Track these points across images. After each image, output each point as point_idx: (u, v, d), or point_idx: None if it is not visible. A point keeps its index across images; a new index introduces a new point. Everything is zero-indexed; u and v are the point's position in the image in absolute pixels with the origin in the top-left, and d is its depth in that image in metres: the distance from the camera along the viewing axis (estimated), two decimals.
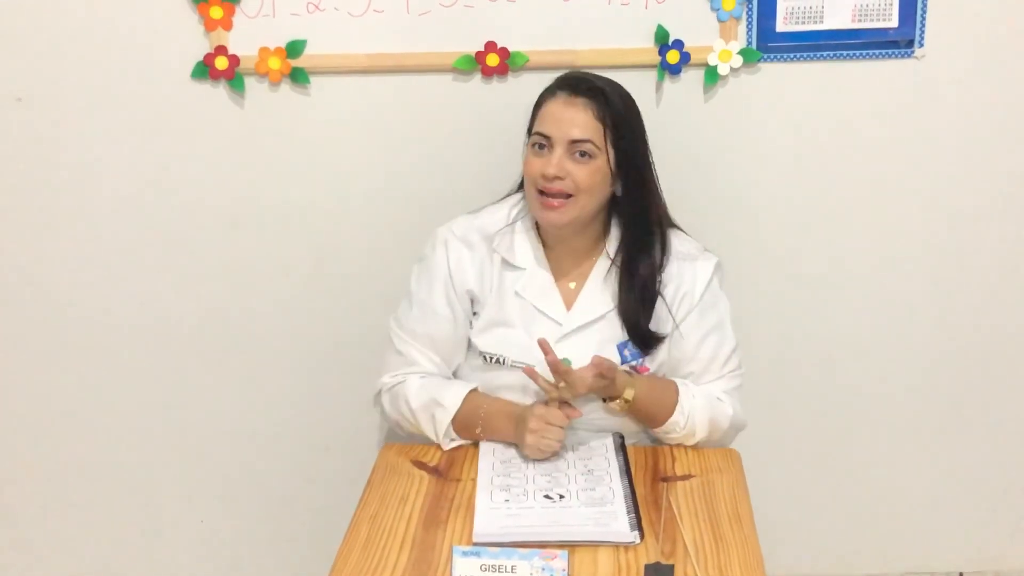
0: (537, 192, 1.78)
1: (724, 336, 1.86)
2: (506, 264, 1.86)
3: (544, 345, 1.72)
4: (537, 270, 1.86)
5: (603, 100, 1.76)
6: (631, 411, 1.80)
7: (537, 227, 1.88)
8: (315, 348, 2.31)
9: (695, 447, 1.85)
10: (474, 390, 1.84)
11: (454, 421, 1.82)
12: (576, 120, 1.75)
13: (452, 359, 1.90)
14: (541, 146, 1.78)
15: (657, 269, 1.83)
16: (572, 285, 1.86)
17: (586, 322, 1.83)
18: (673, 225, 1.90)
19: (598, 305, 1.84)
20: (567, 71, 1.88)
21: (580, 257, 1.87)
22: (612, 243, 1.86)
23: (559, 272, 1.87)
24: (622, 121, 1.78)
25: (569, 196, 1.76)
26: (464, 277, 1.86)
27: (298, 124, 2.15)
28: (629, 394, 1.77)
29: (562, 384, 1.73)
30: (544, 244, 1.87)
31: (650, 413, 1.81)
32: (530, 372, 1.75)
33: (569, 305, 1.85)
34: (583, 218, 1.79)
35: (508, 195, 1.95)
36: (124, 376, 2.33)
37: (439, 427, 1.82)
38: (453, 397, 1.82)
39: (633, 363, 1.83)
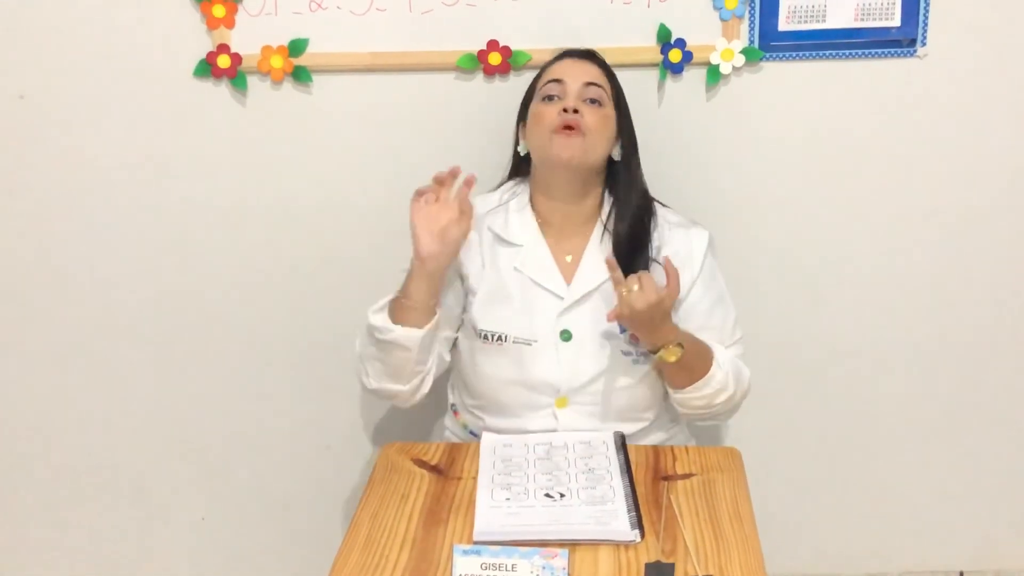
0: (552, 130, 1.81)
1: (727, 306, 1.90)
2: (501, 241, 1.88)
3: (609, 261, 1.74)
4: (534, 245, 1.88)
5: (605, 64, 1.91)
6: (679, 363, 1.75)
7: (532, 204, 1.91)
8: (317, 346, 2.31)
9: (709, 413, 1.85)
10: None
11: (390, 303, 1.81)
12: (587, 70, 1.87)
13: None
14: (551, 97, 1.84)
15: (647, 230, 1.87)
16: (569, 259, 1.88)
17: (586, 292, 1.84)
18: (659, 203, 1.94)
19: (596, 274, 1.85)
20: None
21: (576, 229, 1.89)
22: (605, 213, 1.90)
23: (556, 247, 1.89)
24: (619, 86, 1.91)
25: (581, 134, 1.81)
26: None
27: (300, 123, 2.15)
28: (681, 336, 1.75)
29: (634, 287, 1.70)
30: (540, 221, 1.89)
31: (691, 364, 1.78)
32: (610, 263, 1.74)
33: (568, 278, 1.86)
34: (591, 160, 1.83)
35: (499, 184, 1.98)
36: (123, 374, 2.33)
37: (375, 306, 1.81)
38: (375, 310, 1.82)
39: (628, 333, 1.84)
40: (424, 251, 1.77)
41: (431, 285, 1.79)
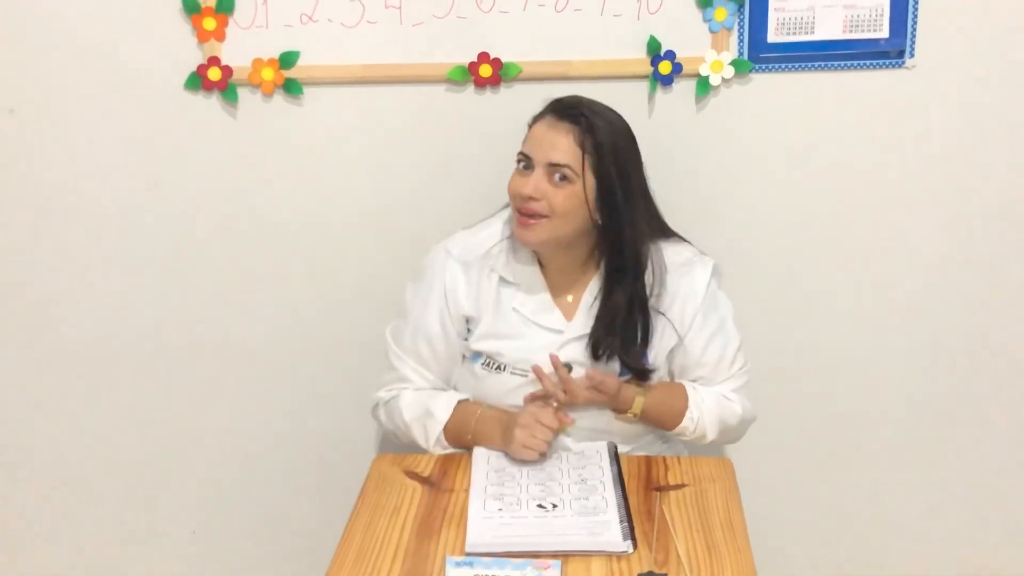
0: (516, 213, 1.80)
1: (728, 336, 1.88)
2: (503, 280, 1.87)
3: (553, 359, 1.76)
4: (533, 286, 1.87)
5: (587, 127, 1.75)
6: (642, 419, 1.83)
7: None
8: (308, 358, 2.30)
9: (697, 448, 1.89)
10: (465, 400, 1.86)
11: (445, 431, 1.84)
12: (557, 144, 1.75)
13: (445, 375, 1.92)
14: (525, 166, 1.79)
15: (644, 298, 1.83)
16: (570, 299, 1.88)
17: (585, 332, 1.84)
18: (671, 234, 1.91)
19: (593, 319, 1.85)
20: (564, 96, 1.85)
21: (575, 273, 1.87)
22: (602, 264, 1.87)
23: (556, 288, 1.88)
24: (605, 151, 1.75)
25: (544, 216, 1.76)
26: (459, 300, 1.87)
27: (291, 135, 2.15)
28: (638, 407, 1.81)
29: (563, 390, 1.76)
30: (540, 260, 1.88)
31: (660, 420, 1.85)
32: (537, 371, 1.77)
33: (569, 316, 1.86)
34: (559, 240, 1.79)
35: (501, 209, 1.94)
36: (116, 387, 2.32)
37: (430, 437, 1.85)
38: (444, 407, 1.85)
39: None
40: (514, 452, 1.77)
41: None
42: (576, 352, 1.84)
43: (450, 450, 1.86)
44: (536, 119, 1.82)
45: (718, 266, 1.90)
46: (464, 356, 1.91)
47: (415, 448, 1.89)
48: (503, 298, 1.87)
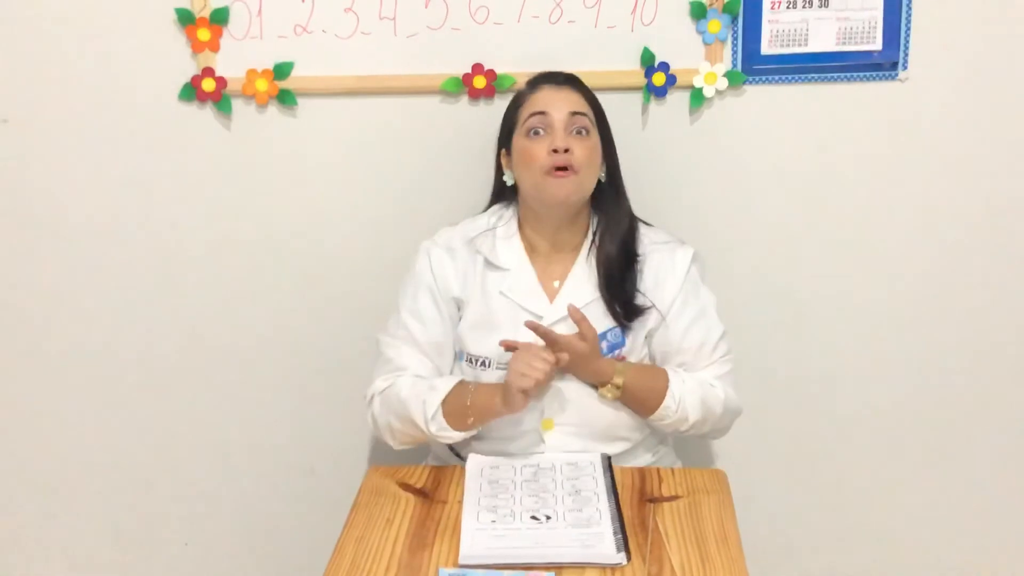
0: (545, 172, 1.80)
1: (709, 323, 1.88)
2: (489, 265, 1.88)
3: (531, 324, 1.75)
4: (522, 271, 1.88)
5: (584, 88, 1.89)
6: (623, 398, 1.82)
7: (521, 231, 1.91)
8: (300, 370, 2.30)
9: (694, 434, 1.88)
10: (463, 380, 1.84)
11: (444, 404, 1.79)
12: (570, 98, 1.85)
13: (442, 361, 1.90)
14: (536, 132, 1.82)
15: (633, 252, 1.87)
16: (556, 284, 1.89)
17: (565, 315, 1.82)
18: (643, 222, 1.95)
19: (579, 296, 1.85)
20: (538, 73, 1.93)
21: (564, 255, 1.89)
22: (593, 234, 1.90)
23: (543, 272, 1.89)
24: (599, 106, 1.90)
25: (573, 171, 1.80)
26: (448, 283, 1.88)
27: (285, 146, 2.15)
28: (619, 380, 1.80)
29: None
30: (528, 246, 1.89)
31: (640, 398, 1.82)
32: (531, 325, 1.75)
33: (552, 299, 1.87)
34: (582, 196, 1.85)
35: (486, 208, 1.98)
36: (108, 397, 2.32)
37: (428, 410, 1.78)
38: (444, 382, 1.82)
39: (612, 354, 1.84)
40: (512, 380, 1.73)
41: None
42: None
43: (447, 431, 1.80)
44: (529, 91, 1.88)
45: (699, 254, 1.91)
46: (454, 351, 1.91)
47: (404, 456, 1.87)
48: (489, 282, 1.88)
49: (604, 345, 1.83)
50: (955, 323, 2.25)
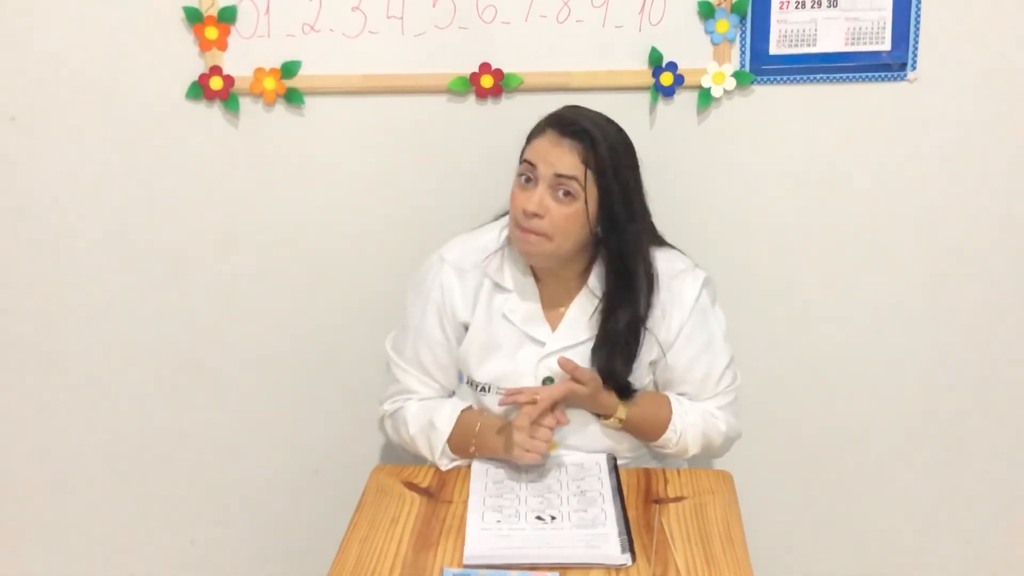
0: (516, 226, 1.78)
1: (716, 354, 1.86)
2: (497, 287, 1.86)
3: (520, 397, 1.74)
4: (525, 294, 1.86)
5: (590, 143, 1.73)
6: (626, 428, 1.82)
7: None
8: (307, 369, 2.30)
9: (690, 461, 1.88)
10: (468, 408, 1.86)
11: (449, 441, 1.83)
12: (562, 159, 1.73)
13: (449, 383, 1.92)
14: (528, 179, 1.76)
15: (641, 319, 1.81)
16: (561, 310, 1.86)
17: (569, 344, 1.83)
18: (663, 243, 1.90)
19: (581, 331, 1.84)
20: (562, 107, 1.84)
21: (568, 285, 1.86)
22: (595, 277, 1.85)
23: (547, 299, 1.87)
24: (607, 165, 1.74)
25: (546, 236, 1.74)
26: (455, 307, 1.86)
27: (292, 145, 2.15)
28: (622, 413, 1.80)
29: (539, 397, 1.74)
30: (533, 270, 1.87)
31: (643, 429, 1.84)
32: (507, 402, 1.76)
33: (554, 327, 1.85)
34: (560, 256, 1.79)
35: (500, 215, 1.94)
36: (113, 394, 2.32)
37: (435, 450, 1.84)
38: (446, 419, 1.84)
39: None
40: (516, 456, 1.75)
41: None
42: (556, 366, 1.80)
43: (458, 462, 1.84)
44: (536, 133, 1.79)
45: (710, 279, 1.88)
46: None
47: (424, 460, 1.88)
48: (495, 304, 1.86)
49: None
50: (963, 323, 2.25)
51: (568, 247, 1.77)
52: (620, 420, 1.80)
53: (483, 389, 1.85)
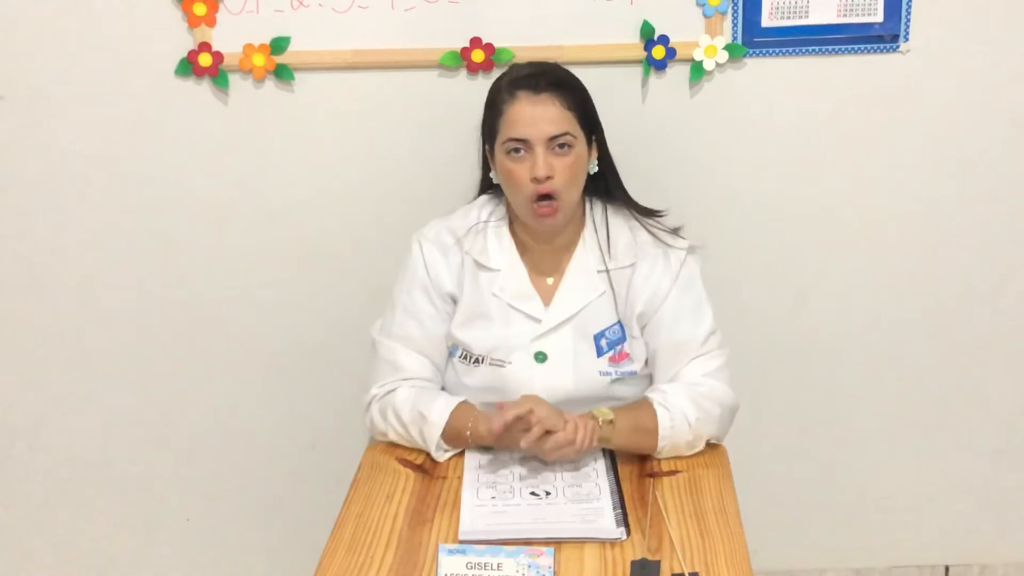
0: (529, 200, 1.75)
1: (700, 317, 1.83)
2: (479, 266, 1.85)
3: (504, 409, 1.68)
4: (512, 270, 1.84)
5: (565, 88, 1.76)
6: (616, 435, 1.74)
7: (511, 227, 1.87)
8: (300, 346, 2.30)
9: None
10: (463, 402, 1.81)
11: (443, 435, 1.79)
12: (549, 116, 1.73)
13: (439, 356, 1.89)
14: (517, 150, 1.75)
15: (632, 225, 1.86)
16: (550, 281, 1.85)
17: (565, 318, 1.82)
18: (649, 212, 1.90)
19: (577, 298, 1.83)
20: (510, 68, 1.84)
21: (558, 253, 1.86)
22: (588, 230, 1.86)
23: (535, 270, 1.86)
24: (583, 99, 1.78)
25: (557, 198, 1.74)
26: (441, 280, 1.85)
27: (282, 121, 2.14)
28: (608, 414, 1.73)
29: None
30: (519, 243, 1.86)
31: (635, 444, 1.76)
32: (499, 428, 1.69)
33: (547, 300, 1.84)
34: (569, 211, 1.79)
35: (475, 198, 1.94)
36: (107, 375, 2.32)
37: (429, 442, 1.79)
38: (439, 412, 1.79)
39: (611, 352, 1.83)
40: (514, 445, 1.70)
41: None
42: (553, 343, 1.80)
43: (452, 453, 1.81)
44: (504, 101, 1.77)
45: (695, 248, 1.87)
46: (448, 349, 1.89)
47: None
48: (481, 283, 1.85)
49: (604, 343, 1.82)
50: (957, 296, 2.25)
51: (576, 196, 1.79)
52: (610, 422, 1.72)
53: (476, 361, 1.84)
